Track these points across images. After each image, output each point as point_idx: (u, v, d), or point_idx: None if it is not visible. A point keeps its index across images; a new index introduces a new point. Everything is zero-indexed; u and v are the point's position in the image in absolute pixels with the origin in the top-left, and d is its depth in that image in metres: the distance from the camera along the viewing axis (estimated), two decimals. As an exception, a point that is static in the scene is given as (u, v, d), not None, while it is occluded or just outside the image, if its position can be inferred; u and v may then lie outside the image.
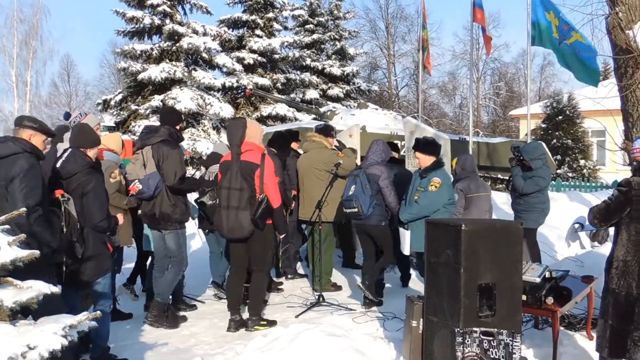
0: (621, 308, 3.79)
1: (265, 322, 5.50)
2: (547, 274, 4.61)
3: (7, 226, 3.11)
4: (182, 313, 6.00)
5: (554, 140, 18.52)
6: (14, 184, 3.72)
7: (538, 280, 4.48)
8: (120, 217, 4.95)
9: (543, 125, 19.53)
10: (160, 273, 5.81)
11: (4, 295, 2.81)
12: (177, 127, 5.85)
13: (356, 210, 6.09)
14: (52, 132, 4.29)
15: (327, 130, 7.22)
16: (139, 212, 5.78)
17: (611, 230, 4.33)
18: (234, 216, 5.24)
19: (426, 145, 5.90)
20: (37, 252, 3.01)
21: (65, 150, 4.55)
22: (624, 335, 3.76)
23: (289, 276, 7.47)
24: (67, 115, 5.29)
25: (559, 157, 18.31)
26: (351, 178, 6.34)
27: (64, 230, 4.10)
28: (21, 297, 2.82)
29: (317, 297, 6.32)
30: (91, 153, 4.53)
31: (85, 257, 4.30)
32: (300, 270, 7.77)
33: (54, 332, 2.75)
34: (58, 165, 4.41)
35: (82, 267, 4.31)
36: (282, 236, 5.69)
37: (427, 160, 5.82)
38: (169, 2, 21.11)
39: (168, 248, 5.72)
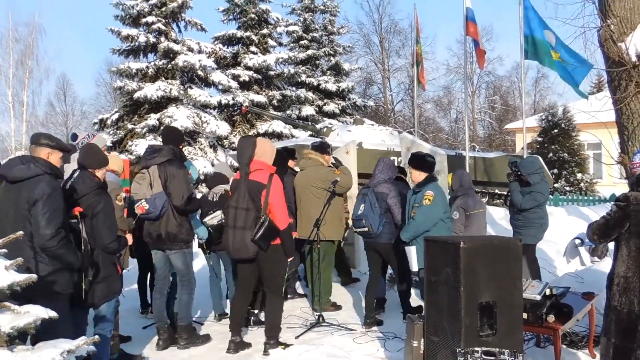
0: (624, 325, 3.76)
1: (283, 346, 5.39)
2: (548, 291, 4.59)
3: (4, 250, 3.10)
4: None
5: (550, 154, 18.58)
6: (37, 207, 3.77)
7: (538, 297, 4.46)
8: (129, 238, 4.93)
9: (539, 139, 19.60)
10: (159, 294, 5.77)
11: (1, 320, 2.78)
12: (180, 147, 5.85)
13: (366, 229, 6.12)
14: (69, 148, 4.28)
15: (323, 148, 7.21)
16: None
17: (611, 245, 4.32)
18: (239, 236, 5.15)
19: (416, 161, 5.87)
20: (34, 276, 3.00)
21: (74, 171, 4.55)
22: (627, 353, 3.73)
23: (289, 296, 7.41)
24: (74, 137, 5.25)
25: (555, 170, 18.35)
26: (360, 197, 6.37)
27: (82, 249, 4.12)
28: (18, 322, 2.79)
29: (317, 317, 6.28)
30: (99, 174, 4.55)
31: (96, 279, 4.30)
32: (300, 290, 7.73)
33: (52, 357, 2.73)
34: (67, 186, 4.41)
35: (93, 289, 4.30)
36: (289, 259, 5.57)
37: (418, 176, 5.78)
38: (163, 20, 21.18)
39: (176, 268, 5.70)
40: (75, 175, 4.49)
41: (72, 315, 4.10)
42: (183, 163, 5.68)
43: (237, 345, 5.43)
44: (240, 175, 5.32)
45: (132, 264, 6.59)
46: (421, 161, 5.82)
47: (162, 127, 19.88)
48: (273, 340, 5.33)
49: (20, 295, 3.24)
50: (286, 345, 5.38)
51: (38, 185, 3.80)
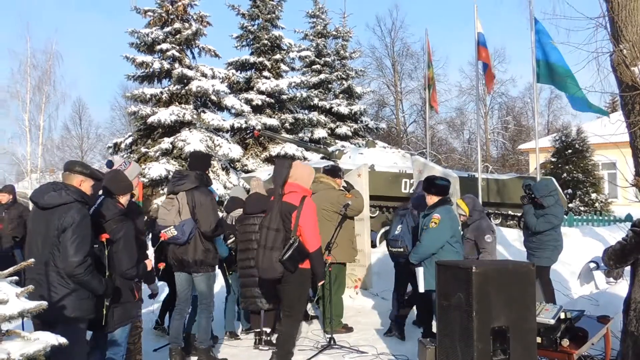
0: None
1: None
2: (562, 315, 4.52)
3: (15, 277, 3.12)
4: (193, 358, 5.93)
5: (564, 174, 18.44)
6: (66, 234, 3.84)
7: (552, 321, 4.39)
8: (149, 264, 4.96)
9: (553, 159, 19.48)
10: (179, 316, 5.82)
11: (12, 347, 2.79)
12: (207, 172, 5.93)
13: (402, 250, 6.28)
14: (101, 177, 4.39)
15: (334, 171, 7.23)
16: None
17: (627, 267, 4.25)
18: (268, 256, 5.13)
19: (427, 184, 5.90)
20: (44, 304, 3.02)
21: (98, 197, 4.56)
22: None
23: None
24: (110, 164, 5.34)
25: (570, 191, 18.18)
26: (397, 218, 6.57)
27: (106, 274, 4.17)
28: (28, 349, 2.80)
29: (328, 339, 6.24)
30: (123, 200, 4.61)
31: (114, 304, 4.34)
32: (311, 312, 7.70)
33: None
34: (90, 212, 4.38)
35: (111, 314, 4.33)
36: (320, 283, 5.51)
37: (430, 199, 5.83)
38: (178, 47, 21.42)
39: (198, 291, 5.75)
40: (98, 202, 4.51)
41: (95, 338, 4.25)
42: (209, 189, 5.76)
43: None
44: (274, 196, 5.35)
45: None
46: (431, 185, 5.83)
47: (175, 150, 20.07)
48: None
49: (43, 320, 3.62)
50: None
51: (68, 213, 3.87)
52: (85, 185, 4.12)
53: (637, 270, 3.79)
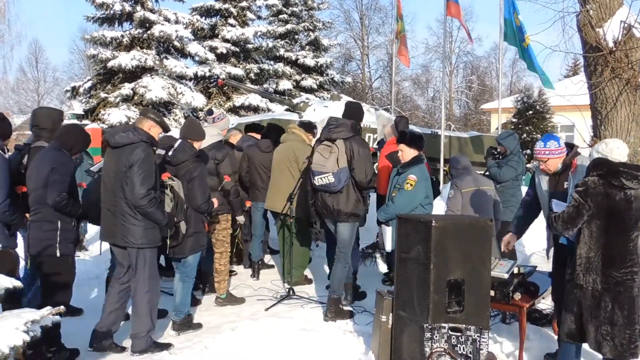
0: (589, 302, 3.88)
1: None
2: (515, 270, 4.66)
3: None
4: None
5: (524, 135, 18.72)
6: (133, 169, 4.38)
7: (506, 276, 4.53)
8: (215, 202, 5.43)
9: (514, 120, 19.74)
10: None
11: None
12: (359, 124, 6.07)
13: None
14: (169, 128, 4.94)
15: (309, 126, 7.17)
16: None
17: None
18: None
19: (412, 139, 5.62)
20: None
21: (175, 141, 5.29)
22: (595, 329, 3.87)
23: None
24: (210, 112, 5.97)
25: (528, 151, 18.51)
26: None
27: (169, 209, 4.77)
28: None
29: (287, 289, 6.30)
30: (197, 145, 5.26)
31: (188, 234, 5.02)
32: (270, 262, 7.74)
33: (15, 327, 2.69)
34: (170, 153, 5.17)
35: (185, 242, 5.03)
36: None
37: (409, 154, 5.55)
38: (140, -11, 20.74)
39: (339, 238, 5.70)
40: (177, 145, 5.19)
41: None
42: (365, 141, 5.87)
43: None
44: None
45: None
46: (414, 139, 5.61)
47: (135, 97, 19.54)
48: None
49: (115, 244, 4.63)
50: None
51: (135, 151, 4.41)
52: (154, 130, 4.64)
53: (582, 228, 3.93)
